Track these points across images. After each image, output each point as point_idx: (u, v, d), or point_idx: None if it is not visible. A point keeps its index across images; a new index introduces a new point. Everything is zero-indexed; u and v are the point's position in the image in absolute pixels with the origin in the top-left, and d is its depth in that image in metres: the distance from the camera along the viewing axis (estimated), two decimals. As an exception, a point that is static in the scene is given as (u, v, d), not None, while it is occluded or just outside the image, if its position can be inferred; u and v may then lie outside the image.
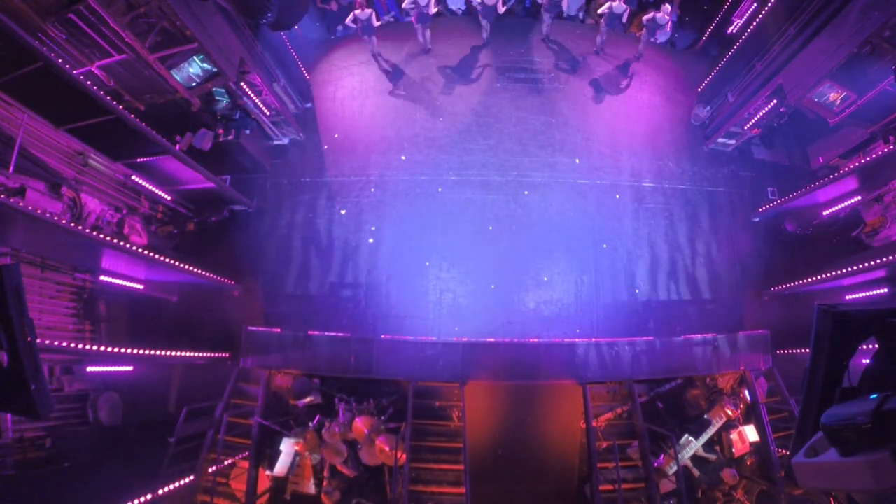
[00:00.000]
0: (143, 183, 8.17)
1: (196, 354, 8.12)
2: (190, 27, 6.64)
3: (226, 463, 6.92)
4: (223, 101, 9.02)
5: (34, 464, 6.43)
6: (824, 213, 9.05)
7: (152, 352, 7.11)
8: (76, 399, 7.59)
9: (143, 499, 5.82)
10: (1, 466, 6.13)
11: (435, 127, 9.89)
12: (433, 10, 9.65)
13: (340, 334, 7.52)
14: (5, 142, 6.29)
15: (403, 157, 9.66)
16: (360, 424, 6.75)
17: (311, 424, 7.03)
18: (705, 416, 7.23)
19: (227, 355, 8.50)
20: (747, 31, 9.45)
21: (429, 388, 7.24)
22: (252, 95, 8.60)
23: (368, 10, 9.42)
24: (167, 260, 7.27)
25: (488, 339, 7.45)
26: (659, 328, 8.81)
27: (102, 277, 7.79)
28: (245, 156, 9.34)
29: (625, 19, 9.80)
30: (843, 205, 8.71)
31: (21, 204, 5.07)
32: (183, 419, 6.68)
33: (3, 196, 4.81)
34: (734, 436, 7.12)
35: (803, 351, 8.13)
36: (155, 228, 9.06)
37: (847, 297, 8.08)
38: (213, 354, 8.34)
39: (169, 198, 8.73)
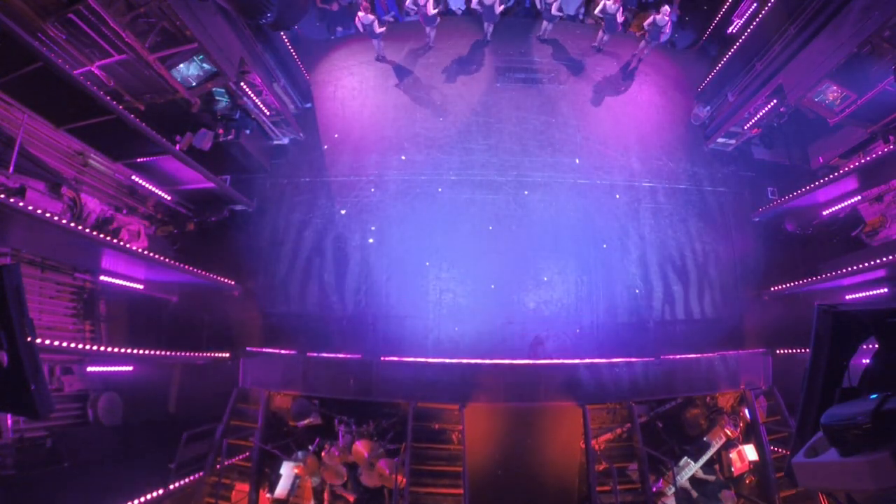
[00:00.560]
0: (144, 183, 8.16)
1: (196, 354, 8.11)
2: (190, 27, 6.64)
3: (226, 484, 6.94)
4: (223, 101, 9.01)
5: (34, 464, 6.43)
6: (824, 213, 9.05)
7: (152, 352, 7.11)
8: (76, 399, 7.59)
9: (142, 499, 5.82)
10: (1, 466, 6.13)
11: (435, 127, 9.89)
12: (432, 10, 9.62)
13: (339, 356, 7.48)
14: (5, 142, 6.30)
15: (403, 157, 9.66)
16: (360, 448, 6.80)
17: (310, 447, 7.06)
18: (704, 439, 7.22)
19: (227, 355, 8.50)
20: (747, 31, 9.44)
21: (428, 409, 7.25)
22: (252, 95, 8.60)
23: (371, 17, 9.41)
24: (167, 260, 7.27)
25: (488, 361, 7.40)
26: (659, 328, 8.82)
27: (102, 277, 7.78)
28: (245, 156, 9.33)
29: (620, 18, 9.73)
30: (842, 205, 8.71)
31: (21, 204, 5.07)
32: (183, 443, 6.65)
33: (3, 196, 4.80)
34: (733, 455, 7.13)
35: (803, 351, 8.13)
36: (155, 229, 9.07)
37: (847, 297, 8.07)
38: (213, 354, 8.34)
39: (169, 198, 8.73)
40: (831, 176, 7.89)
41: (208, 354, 8.29)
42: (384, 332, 8.62)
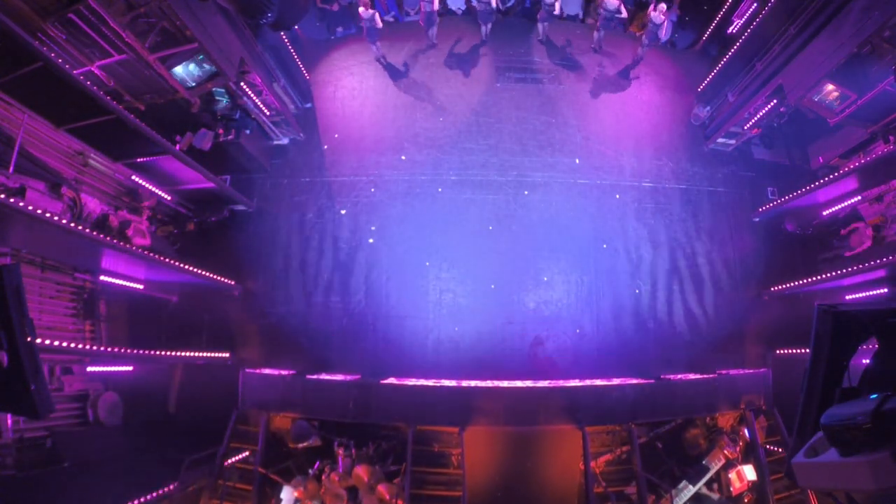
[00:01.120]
0: (144, 183, 8.16)
1: (196, 354, 8.12)
2: (190, 27, 6.64)
3: None
4: (223, 101, 9.01)
5: (34, 464, 6.42)
6: (824, 213, 9.05)
7: (152, 352, 7.12)
8: (76, 399, 7.58)
9: (142, 498, 5.82)
10: (1, 466, 6.13)
11: (435, 127, 9.89)
12: (436, 5, 9.62)
13: (338, 378, 7.43)
14: (5, 142, 6.29)
15: (403, 157, 9.66)
16: (360, 472, 6.81)
17: (311, 471, 7.07)
18: (703, 462, 7.24)
19: (227, 355, 8.51)
20: (747, 31, 9.44)
21: (428, 432, 7.27)
22: (252, 95, 8.60)
23: (371, 11, 9.41)
24: (167, 260, 7.27)
25: (487, 385, 7.37)
26: (659, 328, 8.82)
27: (102, 277, 7.78)
28: (245, 156, 9.33)
29: (623, 14, 9.72)
30: (843, 205, 8.71)
31: (21, 204, 5.07)
32: (185, 468, 6.64)
33: (3, 196, 4.80)
34: (732, 475, 7.15)
35: (803, 351, 8.13)
36: (155, 229, 9.06)
37: (847, 297, 8.07)
38: (212, 354, 8.34)
39: (169, 198, 8.72)
40: (831, 176, 7.88)
41: (208, 354, 8.30)
42: (384, 332, 8.63)
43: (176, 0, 6.39)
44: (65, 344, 5.95)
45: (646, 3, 11.38)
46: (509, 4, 11.10)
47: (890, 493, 1.68)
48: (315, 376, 7.58)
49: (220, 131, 9.00)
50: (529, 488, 7.25)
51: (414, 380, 7.62)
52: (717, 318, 8.94)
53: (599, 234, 9.24)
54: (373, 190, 9.45)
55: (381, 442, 7.27)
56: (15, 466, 6.22)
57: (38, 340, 4.81)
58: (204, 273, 8.03)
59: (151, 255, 7.01)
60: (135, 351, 6.75)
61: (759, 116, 9.17)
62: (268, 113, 9.19)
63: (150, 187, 8.30)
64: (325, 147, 9.95)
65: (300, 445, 7.19)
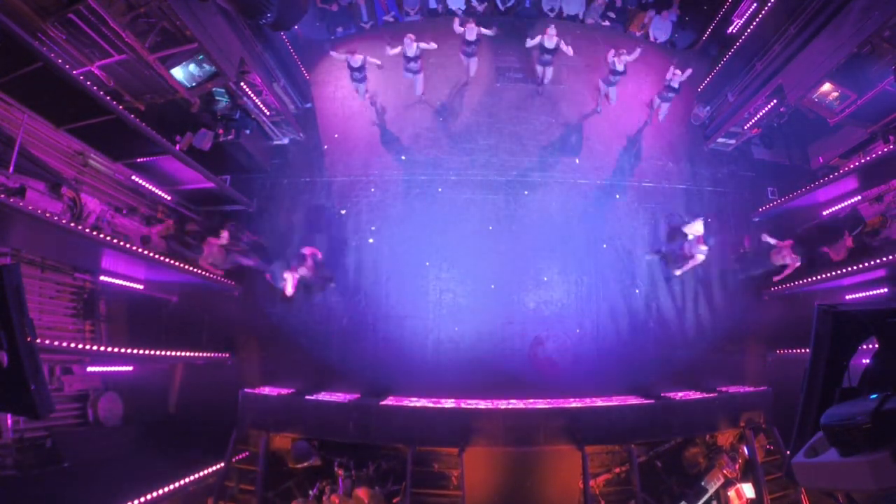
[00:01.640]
0: (144, 183, 8.17)
1: (196, 354, 8.12)
2: (190, 27, 6.64)
3: None
4: (223, 101, 9.01)
5: (34, 464, 6.42)
6: (824, 213, 9.05)
7: (152, 352, 7.12)
8: (76, 399, 7.58)
9: (142, 498, 5.82)
10: (1, 466, 6.13)
11: (435, 127, 9.89)
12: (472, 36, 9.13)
13: (337, 399, 7.39)
14: (5, 142, 6.29)
15: (403, 157, 9.67)
16: (361, 494, 6.80)
17: (311, 492, 7.06)
18: (702, 483, 7.23)
19: (227, 355, 8.51)
20: (747, 31, 9.44)
21: (428, 452, 7.30)
22: (252, 95, 8.60)
23: (360, 57, 8.85)
24: (167, 260, 7.26)
25: (487, 407, 7.36)
26: (659, 328, 8.82)
27: (102, 277, 7.78)
28: (245, 156, 9.33)
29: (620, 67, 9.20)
30: (843, 205, 8.71)
31: (21, 204, 5.07)
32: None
33: (3, 196, 4.80)
34: (731, 493, 7.13)
35: (803, 351, 8.13)
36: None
37: (847, 297, 8.07)
38: (212, 354, 8.35)
39: (169, 198, 8.73)
40: (831, 176, 7.89)
41: (208, 354, 8.30)
42: (384, 333, 8.63)
43: (176, 0, 6.39)
44: (65, 344, 5.95)
45: (646, 3, 11.42)
46: (509, 4, 11.11)
47: (890, 493, 1.68)
48: (314, 397, 7.55)
49: (220, 131, 9.00)
50: (529, 506, 7.27)
51: (414, 399, 7.62)
52: (717, 318, 8.93)
53: (599, 234, 9.24)
54: (373, 190, 9.45)
55: (381, 462, 7.29)
56: (15, 466, 6.22)
57: (38, 340, 4.80)
58: (204, 273, 8.04)
59: (151, 254, 7.00)
60: (135, 351, 6.75)
61: (759, 116, 9.17)
62: (268, 113, 9.19)
63: (151, 187, 8.30)
64: (325, 147, 9.96)
65: (300, 465, 7.22)
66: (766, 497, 6.90)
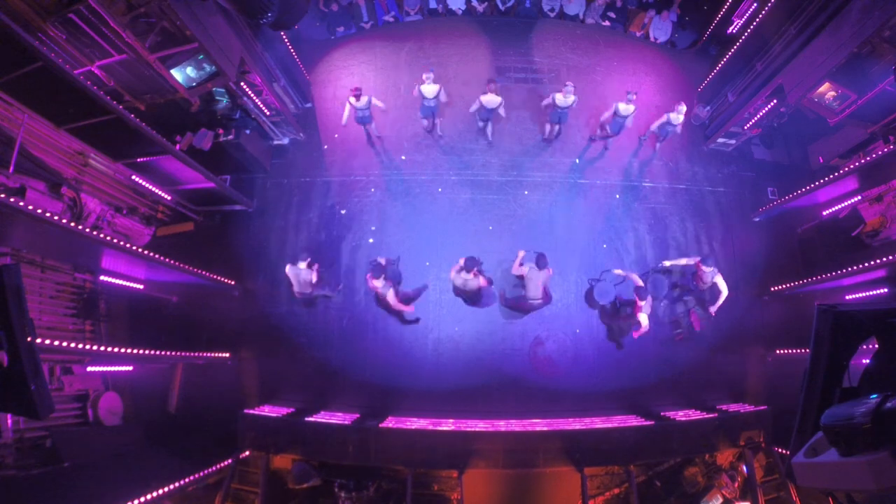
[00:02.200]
0: (144, 183, 8.17)
1: (196, 354, 8.12)
2: (190, 27, 6.64)
3: None
4: (223, 101, 9.02)
5: (34, 464, 6.43)
6: (824, 213, 9.05)
7: (152, 352, 7.12)
8: (76, 399, 7.60)
9: (142, 498, 5.83)
10: (1, 466, 6.13)
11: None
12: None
13: (337, 421, 7.38)
14: (5, 142, 6.30)
15: (403, 157, 9.67)
16: None
17: None
18: (701, 503, 7.26)
19: (227, 355, 8.51)
20: (747, 32, 9.43)
21: (428, 473, 7.33)
22: (252, 95, 8.60)
23: (364, 98, 8.51)
24: (167, 260, 7.27)
25: (487, 429, 7.35)
26: (659, 328, 8.81)
27: (102, 277, 7.79)
28: (245, 156, 9.34)
29: (629, 124, 9.01)
30: (843, 205, 8.71)
31: (21, 204, 5.07)
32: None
33: (3, 196, 4.80)
34: None
35: (803, 351, 8.13)
36: (155, 229, 9.07)
37: (847, 297, 8.06)
38: (212, 354, 8.35)
39: (169, 198, 8.73)
40: (831, 176, 7.88)
41: (208, 354, 8.30)
42: (384, 332, 8.64)
43: (176, 0, 6.39)
44: (65, 344, 5.94)
45: (646, 3, 11.43)
46: (509, 4, 11.11)
47: (890, 493, 1.68)
48: (314, 418, 7.52)
49: (220, 131, 9.01)
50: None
51: (413, 420, 7.65)
52: (717, 318, 8.90)
53: (599, 233, 9.25)
54: (373, 190, 9.45)
55: (381, 483, 7.31)
56: (15, 466, 6.23)
57: (38, 340, 4.81)
58: (204, 273, 8.04)
59: (151, 254, 7.01)
60: (135, 351, 6.75)
61: (759, 116, 9.17)
62: (268, 113, 9.19)
63: (151, 187, 8.31)
64: (325, 147, 9.96)
65: (301, 486, 7.24)
66: None
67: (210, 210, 9.32)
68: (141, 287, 8.21)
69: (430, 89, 8.61)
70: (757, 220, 9.62)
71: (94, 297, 8.18)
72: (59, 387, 7.29)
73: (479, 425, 7.54)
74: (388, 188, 9.45)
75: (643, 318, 7.33)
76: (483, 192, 9.37)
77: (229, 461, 7.15)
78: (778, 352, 8.64)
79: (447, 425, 7.53)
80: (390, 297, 7.36)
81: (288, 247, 9.18)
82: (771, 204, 9.34)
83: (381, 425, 7.26)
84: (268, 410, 7.82)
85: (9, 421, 6.33)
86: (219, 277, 8.38)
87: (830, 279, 7.68)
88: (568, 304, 8.83)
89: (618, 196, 9.55)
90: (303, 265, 7.69)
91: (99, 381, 7.91)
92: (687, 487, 7.51)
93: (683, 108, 8.66)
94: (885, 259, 6.77)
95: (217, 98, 8.90)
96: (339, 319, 8.74)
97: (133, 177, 8.04)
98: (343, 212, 9.34)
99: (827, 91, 7.94)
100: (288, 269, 7.83)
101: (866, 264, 7.04)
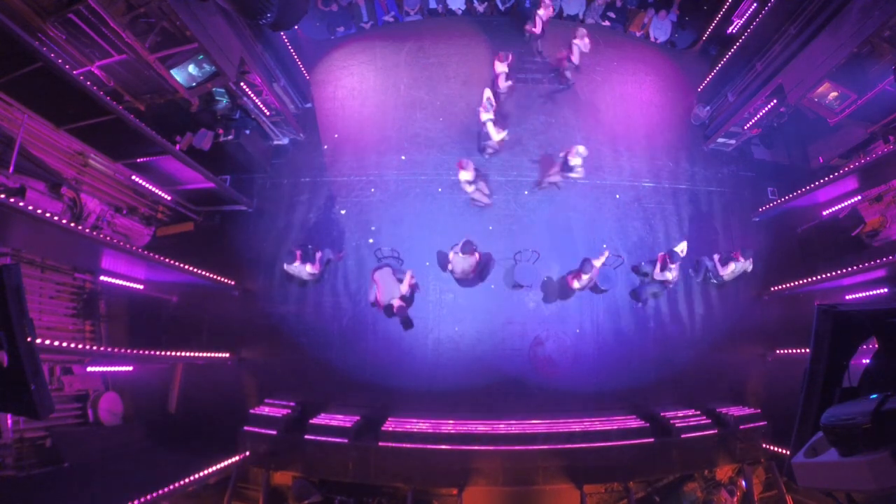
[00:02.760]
0: (144, 183, 8.17)
1: (196, 354, 8.12)
2: (190, 27, 6.64)
3: None
4: (223, 102, 9.01)
5: (34, 464, 6.43)
6: (824, 213, 9.05)
7: (152, 352, 7.11)
8: (76, 399, 7.59)
9: (142, 498, 5.82)
10: (1, 466, 6.13)
11: (435, 127, 9.89)
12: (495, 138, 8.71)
13: (336, 440, 7.32)
14: (5, 142, 6.30)
15: (403, 157, 9.67)
16: None
17: None
18: None
19: (227, 355, 8.51)
20: (747, 31, 9.44)
21: (428, 491, 7.34)
22: (252, 95, 8.60)
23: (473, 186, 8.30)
24: (167, 260, 7.26)
25: (487, 448, 7.28)
26: (658, 328, 8.83)
27: (102, 277, 7.79)
28: (245, 156, 9.33)
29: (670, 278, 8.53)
30: (842, 205, 8.71)
31: (21, 204, 5.06)
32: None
33: (3, 196, 4.80)
34: None
35: (803, 351, 8.13)
36: (154, 229, 9.07)
37: (847, 297, 8.07)
38: (213, 354, 8.35)
39: (169, 198, 8.73)
40: (831, 176, 7.89)
41: (208, 354, 8.30)
42: (384, 333, 8.63)
43: (176, 0, 6.39)
44: (65, 344, 5.93)
45: (646, 3, 11.43)
46: (509, 4, 11.11)
47: (890, 493, 1.68)
48: (312, 436, 7.41)
49: (220, 131, 9.00)
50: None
51: (413, 420, 7.65)
52: (718, 318, 8.94)
53: (599, 233, 9.25)
54: (373, 190, 9.45)
55: (381, 500, 7.32)
56: (15, 466, 6.23)
57: (38, 340, 4.81)
58: (204, 273, 8.04)
59: (151, 254, 7.00)
60: (135, 351, 6.74)
61: (759, 116, 9.17)
62: (268, 113, 9.19)
63: (151, 187, 8.31)
64: (325, 147, 9.96)
65: (302, 503, 7.24)
66: None
67: (210, 210, 9.32)
68: (141, 287, 8.20)
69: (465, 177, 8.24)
70: (757, 220, 9.62)
71: (94, 297, 8.18)
72: (59, 387, 7.29)
73: (479, 426, 7.52)
74: (388, 188, 9.45)
75: (670, 275, 7.96)
76: (483, 192, 9.35)
77: (229, 462, 7.14)
78: (778, 352, 8.63)
79: (447, 426, 7.51)
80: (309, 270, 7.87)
81: (288, 247, 9.16)
82: (771, 204, 9.34)
83: (380, 444, 7.16)
84: (268, 411, 7.81)
85: (9, 421, 6.32)
86: (219, 277, 8.38)
87: (830, 279, 7.68)
88: (568, 304, 8.83)
89: (618, 196, 9.55)
90: (297, 263, 7.85)
91: (99, 381, 7.91)
92: (686, 503, 7.53)
93: (583, 149, 8.05)
94: (885, 259, 6.77)
95: (217, 98, 8.90)
96: (339, 319, 8.74)
97: (133, 177, 8.03)
98: (343, 212, 9.34)
99: (827, 91, 7.94)
100: (286, 267, 7.97)
101: (866, 264, 7.04)
